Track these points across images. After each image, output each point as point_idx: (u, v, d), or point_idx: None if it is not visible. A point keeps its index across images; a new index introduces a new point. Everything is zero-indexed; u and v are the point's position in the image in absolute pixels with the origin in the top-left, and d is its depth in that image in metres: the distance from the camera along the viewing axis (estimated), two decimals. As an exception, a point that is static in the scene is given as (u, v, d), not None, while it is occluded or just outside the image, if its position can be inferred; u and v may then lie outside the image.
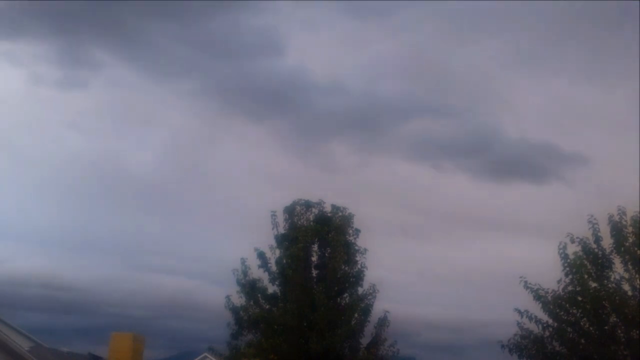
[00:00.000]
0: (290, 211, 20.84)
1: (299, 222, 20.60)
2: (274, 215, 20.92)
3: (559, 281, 18.06)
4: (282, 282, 19.91)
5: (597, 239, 18.03)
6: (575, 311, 17.50)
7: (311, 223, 20.57)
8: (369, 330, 19.78)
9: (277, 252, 20.36)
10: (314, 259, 20.36)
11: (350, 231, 20.75)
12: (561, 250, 18.10)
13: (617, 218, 17.85)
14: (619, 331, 17.06)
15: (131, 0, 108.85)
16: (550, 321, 17.76)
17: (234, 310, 20.02)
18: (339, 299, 19.75)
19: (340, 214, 20.80)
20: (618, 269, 17.72)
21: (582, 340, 17.31)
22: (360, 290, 20.01)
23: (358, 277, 20.11)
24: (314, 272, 20.21)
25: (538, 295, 17.96)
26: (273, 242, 20.60)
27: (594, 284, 17.47)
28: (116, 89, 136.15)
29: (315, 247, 20.48)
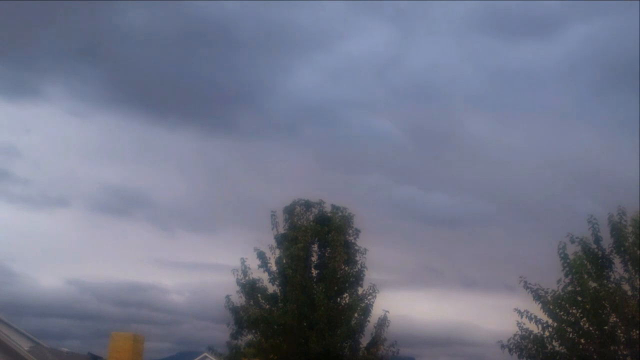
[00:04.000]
0: (290, 211, 20.83)
1: (299, 222, 20.58)
2: (273, 215, 20.92)
3: (558, 281, 18.07)
4: (282, 282, 19.90)
5: (597, 239, 18.04)
6: (575, 311, 17.49)
7: (311, 223, 20.56)
8: (369, 330, 19.81)
9: (277, 252, 20.36)
10: (314, 259, 20.37)
11: (350, 231, 20.76)
12: (561, 251, 18.09)
13: (616, 218, 17.85)
14: (619, 331, 17.04)
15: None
16: (550, 321, 17.75)
17: (234, 310, 20.00)
18: (339, 299, 19.75)
19: (340, 214, 20.79)
20: (618, 269, 17.73)
21: (582, 340, 17.31)
22: (360, 290, 20.02)
23: (358, 277, 20.11)
24: (314, 272, 20.21)
25: (538, 296, 17.97)
26: (273, 242, 20.61)
27: (593, 284, 17.45)
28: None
29: (315, 247, 20.48)
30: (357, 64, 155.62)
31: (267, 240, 20.62)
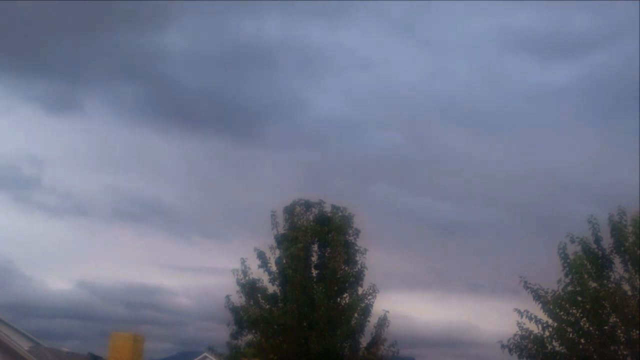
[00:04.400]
0: (290, 211, 20.82)
1: (299, 222, 20.57)
2: (273, 215, 20.91)
3: (558, 281, 18.06)
4: (282, 282, 19.89)
5: (597, 239, 18.03)
6: (575, 311, 17.48)
7: (311, 223, 20.55)
8: (369, 330, 19.80)
9: (277, 252, 20.35)
10: (314, 259, 20.36)
11: (350, 231, 20.74)
12: (561, 251, 18.09)
13: (616, 218, 17.84)
14: (619, 331, 17.04)
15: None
16: (550, 321, 17.75)
17: (234, 310, 19.99)
18: (339, 299, 19.74)
19: (340, 213, 20.78)
20: (618, 269, 17.73)
21: (582, 340, 17.30)
22: (360, 290, 20.01)
23: (358, 277, 20.10)
24: (314, 272, 20.20)
25: (538, 296, 17.96)
26: (273, 242, 20.60)
27: (594, 284, 17.45)
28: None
29: (315, 247, 20.46)
30: (387, 84, 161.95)
31: (267, 240, 20.67)
